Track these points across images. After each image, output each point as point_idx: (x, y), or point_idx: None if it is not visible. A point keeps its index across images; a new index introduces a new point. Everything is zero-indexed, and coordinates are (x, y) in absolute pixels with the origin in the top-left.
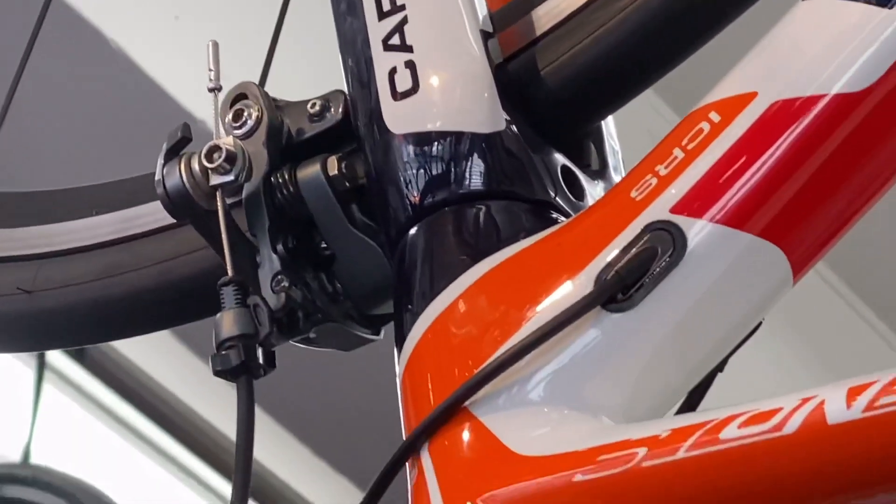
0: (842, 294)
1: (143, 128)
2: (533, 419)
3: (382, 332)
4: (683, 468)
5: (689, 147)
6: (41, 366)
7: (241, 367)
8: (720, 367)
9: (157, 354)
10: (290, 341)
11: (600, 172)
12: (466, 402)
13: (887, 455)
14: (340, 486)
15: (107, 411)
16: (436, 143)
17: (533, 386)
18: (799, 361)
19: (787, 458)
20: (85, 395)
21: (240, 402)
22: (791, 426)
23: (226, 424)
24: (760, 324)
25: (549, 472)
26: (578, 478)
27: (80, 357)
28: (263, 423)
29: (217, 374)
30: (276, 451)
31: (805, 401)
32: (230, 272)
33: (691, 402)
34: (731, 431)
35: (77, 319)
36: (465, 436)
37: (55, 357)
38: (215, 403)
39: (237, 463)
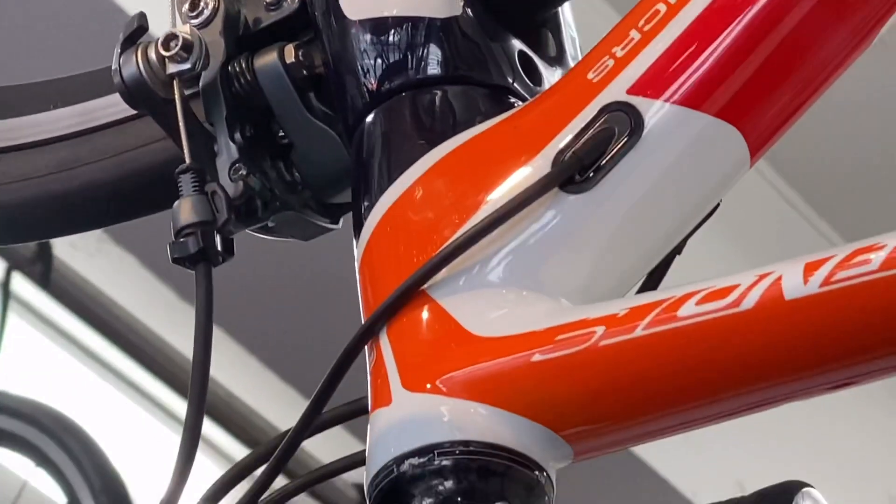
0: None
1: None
2: (491, 301)
3: (341, 222)
4: (641, 346)
5: (646, 28)
6: (6, 295)
7: (199, 253)
8: (678, 250)
9: (119, 278)
10: (249, 230)
11: (558, 59)
12: (425, 286)
13: (843, 330)
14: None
15: (70, 339)
16: (392, 29)
17: (491, 268)
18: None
19: (745, 333)
20: (49, 324)
21: (198, 289)
22: (748, 302)
23: (189, 348)
24: (718, 205)
25: (507, 352)
26: (537, 357)
27: (44, 283)
28: (230, 349)
29: (175, 261)
30: (242, 376)
31: (762, 277)
32: (188, 160)
33: (650, 284)
34: (688, 308)
35: (36, 213)
36: (424, 318)
37: (20, 286)
38: (180, 330)
39: (195, 351)
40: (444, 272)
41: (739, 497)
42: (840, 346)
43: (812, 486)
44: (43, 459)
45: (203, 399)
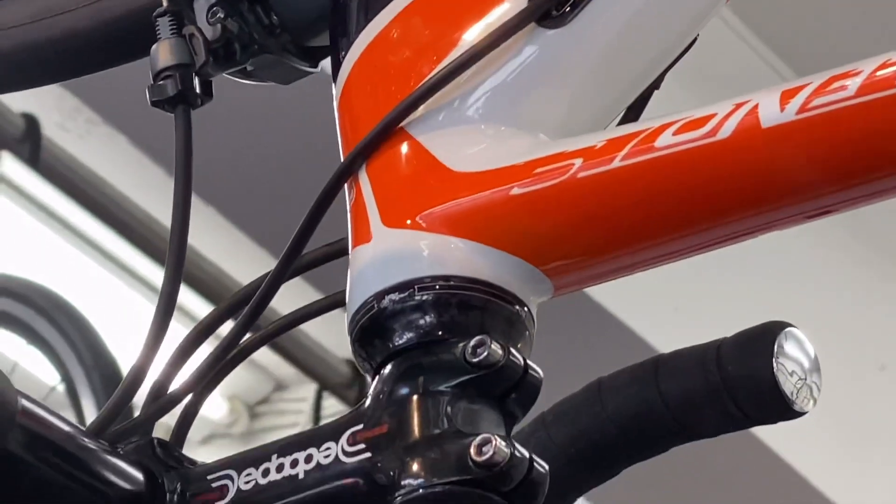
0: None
1: None
2: (470, 137)
3: (320, 66)
4: (619, 176)
5: None
6: None
7: (178, 96)
8: (657, 84)
9: (109, 157)
10: (227, 74)
11: None
12: (403, 122)
13: (820, 157)
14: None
15: (59, 219)
16: None
17: (469, 104)
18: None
19: (723, 162)
20: (37, 205)
21: (177, 132)
22: (725, 131)
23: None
24: (695, 40)
25: (486, 187)
26: (515, 191)
27: (33, 163)
28: (206, 214)
29: (154, 104)
30: (212, 237)
31: (739, 106)
32: (165, 2)
33: (629, 118)
34: (666, 139)
35: (15, 63)
36: (403, 155)
37: (8, 167)
38: (165, 202)
39: (175, 192)
40: (422, 109)
41: (721, 339)
42: (817, 173)
43: (794, 326)
44: (34, 337)
45: (184, 246)
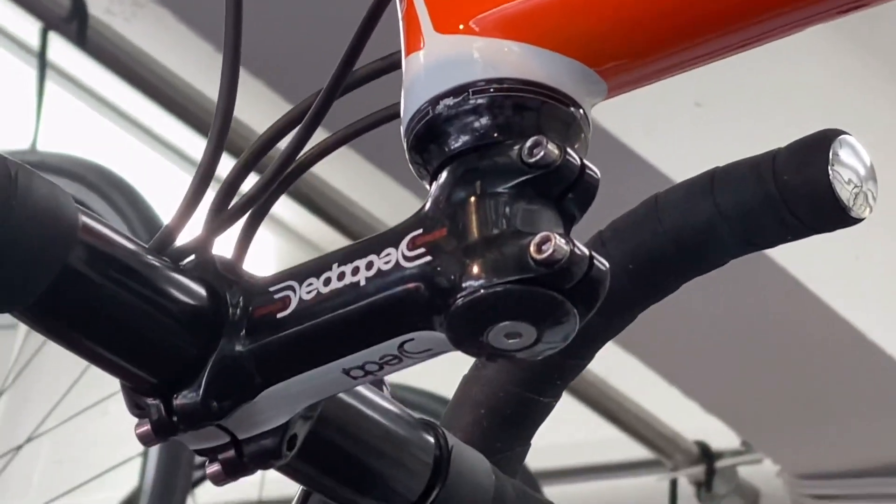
0: None
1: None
2: None
3: None
4: None
5: None
6: (42, 57)
7: None
8: None
9: (156, 34)
10: None
11: None
12: None
13: None
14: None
15: (107, 103)
16: None
17: None
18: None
19: None
20: (83, 89)
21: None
22: None
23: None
24: None
25: None
26: None
27: (80, 42)
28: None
29: None
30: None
31: None
32: None
33: None
34: None
35: None
36: None
37: (55, 48)
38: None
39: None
40: None
41: (776, 149)
42: None
43: (849, 134)
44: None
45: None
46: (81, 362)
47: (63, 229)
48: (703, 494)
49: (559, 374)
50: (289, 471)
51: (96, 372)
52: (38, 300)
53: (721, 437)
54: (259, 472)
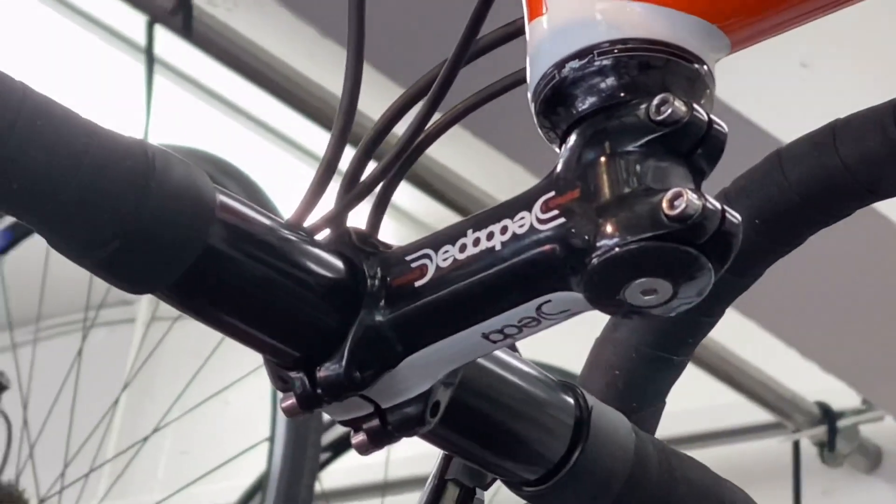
0: None
1: None
2: None
3: None
4: None
5: None
6: (150, 52)
7: None
8: None
9: (259, 21)
10: None
11: None
12: None
13: None
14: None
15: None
16: None
17: None
18: None
19: None
20: (192, 82)
21: None
22: None
23: (331, 83)
24: None
25: None
26: None
27: (186, 34)
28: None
29: None
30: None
31: None
32: None
33: None
34: None
35: None
36: None
37: (161, 41)
38: (324, 66)
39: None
40: None
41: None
42: None
43: None
44: None
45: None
46: (201, 354)
47: (202, 208)
48: (826, 455)
49: (691, 332)
50: (432, 437)
51: (216, 363)
52: (181, 279)
53: (841, 396)
54: (383, 453)
